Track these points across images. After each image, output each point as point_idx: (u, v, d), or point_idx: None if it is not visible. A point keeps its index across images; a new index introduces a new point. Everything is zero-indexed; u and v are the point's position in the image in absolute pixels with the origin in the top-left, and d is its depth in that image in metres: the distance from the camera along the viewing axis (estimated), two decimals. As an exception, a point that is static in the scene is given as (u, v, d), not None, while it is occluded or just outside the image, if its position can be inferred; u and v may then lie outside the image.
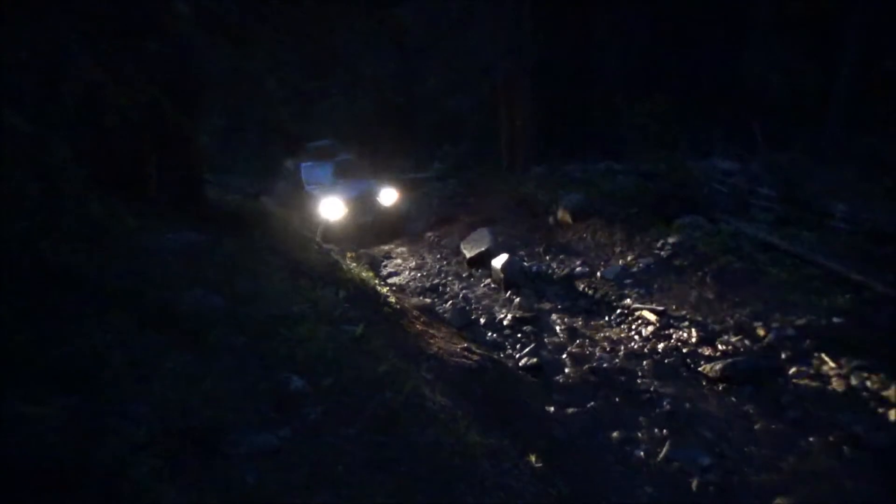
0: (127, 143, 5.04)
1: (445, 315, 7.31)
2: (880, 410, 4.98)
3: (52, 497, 2.02)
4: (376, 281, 6.38)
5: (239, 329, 3.57)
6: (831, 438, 4.66)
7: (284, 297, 4.22)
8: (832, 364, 5.66)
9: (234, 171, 16.53)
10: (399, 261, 10.92)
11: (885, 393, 5.14)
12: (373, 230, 11.90)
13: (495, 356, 5.95)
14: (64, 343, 2.76)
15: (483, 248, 9.93)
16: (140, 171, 5.26)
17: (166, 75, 5.10)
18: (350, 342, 3.98)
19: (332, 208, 11.31)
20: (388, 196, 12.32)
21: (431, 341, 5.20)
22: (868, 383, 5.31)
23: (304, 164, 12.69)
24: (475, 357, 5.06)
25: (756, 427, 4.92)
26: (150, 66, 4.81)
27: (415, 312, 5.99)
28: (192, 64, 5.56)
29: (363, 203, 11.88)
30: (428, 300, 7.91)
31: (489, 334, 7.06)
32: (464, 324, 7.14)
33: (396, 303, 5.74)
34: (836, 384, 5.40)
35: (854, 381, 5.37)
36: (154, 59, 4.92)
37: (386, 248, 11.74)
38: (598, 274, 8.59)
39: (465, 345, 5.47)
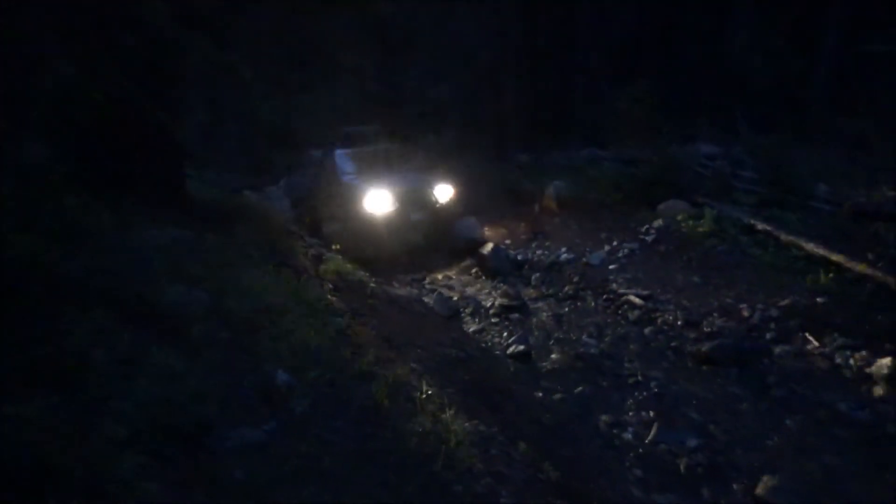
0: (104, 139, 4.96)
1: (432, 305, 7.31)
2: (864, 387, 5.05)
3: (36, 496, 2.00)
4: (362, 272, 6.37)
5: (223, 324, 3.55)
6: (816, 416, 4.72)
7: (268, 291, 4.20)
8: (816, 343, 5.73)
9: (216, 167, 16.38)
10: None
11: (868, 370, 5.22)
12: (423, 231, 9.90)
13: (482, 344, 5.96)
14: (45, 342, 2.73)
15: (469, 237, 9.94)
16: (118, 167, 5.19)
17: (143, 69, 5.03)
18: (335, 334, 3.97)
19: (378, 202, 9.51)
20: (444, 192, 10.31)
21: (418, 331, 5.19)
22: (851, 361, 5.38)
23: (340, 151, 10.88)
24: (462, 346, 5.07)
25: (742, 407, 4.97)
26: (125, 60, 4.73)
27: (401, 302, 5.98)
28: (169, 57, 5.48)
29: (415, 198, 9.94)
30: (415, 290, 7.91)
31: (476, 323, 7.07)
32: (450, 313, 7.15)
33: (382, 293, 5.73)
34: (821, 363, 5.46)
35: (838, 360, 5.44)
36: (130, 52, 4.85)
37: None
38: (584, 260, 8.61)
39: (453, 334, 5.47)
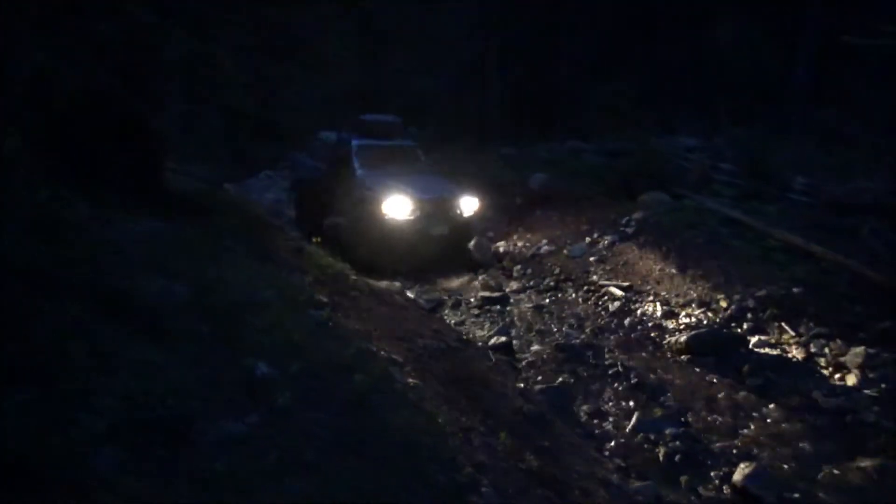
0: (80, 129, 4.88)
1: (414, 297, 7.31)
2: (838, 376, 5.15)
3: (14, 491, 1.98)
4: (344, 265, 6.35)
5: (203, 317, 3.52)
6: (791, 404, 4.80)
7: (249, 284, 4.17)
8: (792, 332, 5.83)
9: (196, 159, 16.19)
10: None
11: (842, 359, 5.33)
12: (442, 247, 8.78)
13: (464, 336, 5.99)
14: (21, 336, 2.70)
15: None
16: (95, 158, 5.11)
17: (120, 59, 4.95)
18: (317, 327, 3.96)
19: (398, 208, 8.37)
20: (469, 205, 9.09)
21: (400, 323, 5.20)
22: (826, 350, 5.48)
23: (358, 142, 9.55)
24: (444, 337, 5.08)
25: (719, 396, 5.05)
26: (102, 49, 4.65)
27: (383, 295, 5.98)
28: (147, 47, 5.39)
29: (439, 210, 8.74)
30: (397, 283, 7.90)
31: (458, 315, 7.10)
32: (432, 305, 7.17)
33: (364, 286, 5.72)
34: (796, 352, 5.57)
35: (813, 349, 5.55)
36: (106, 41, 4.76)
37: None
38: (565, 252, 8.67)
39: (435, 326, 5.49)
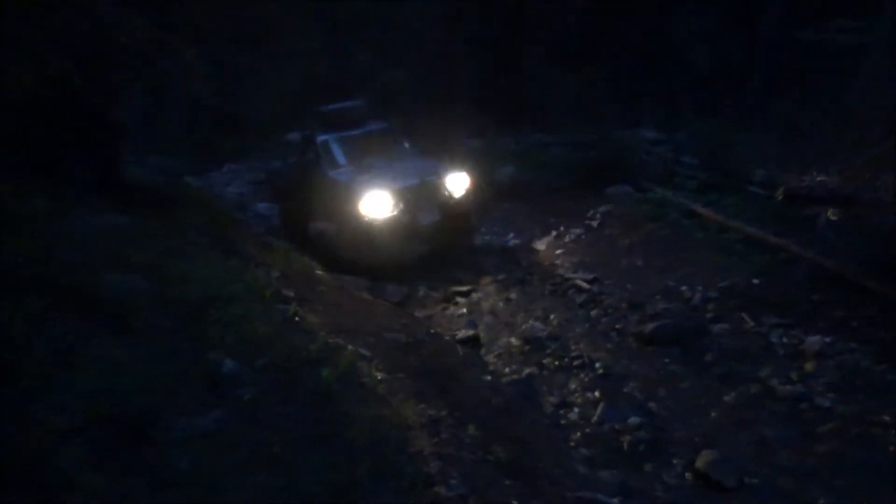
0: (36, 121, 4.75)
1: (382, 291, 7.29)
2: (796, 363, 5.30)
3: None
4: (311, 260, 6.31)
5: (167, 312, 3.47)
6: (752, 391, 4.93)
7: (214, 279, 4.12)
8: (752, 322, 5.97)
9: (158, 152, 15.87)
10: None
11: (800, 347, 5.49)
12: (435, 236, 7.94)
13: (432, 330, 6.00)
14: (-24, 334, 2.63)
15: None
16: (52, 151, 4.98)
17: (77, 49, 4.81)
18: (284, 321, 3.93)
19: (377, 203, 7.54)
20: (458, 184, 8.21)
21: (367, 317, 5.19)
22: (785, 339, 5.64)
23: (324, 137, 8.68)
24: (412, 331, 5.09)
25: (683, 385, 5.15)
26: (59, 39, 4.52)
27: (350, 289, 5.96)
28: (105, 37, 5.26)
29: (423, 195, 7.90)
30: (364, 278, 7.86)
31: (425, 308, 7.10)
32: (400, 299, 7.15)
33: (332, 280, 5.69)
34: (756, 341, 5.71)
35: (773, 338, 5.70)
36: (63, 31, 4.64)
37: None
38: (532, 244, 8.73)
39: (403, 320, 5.49)
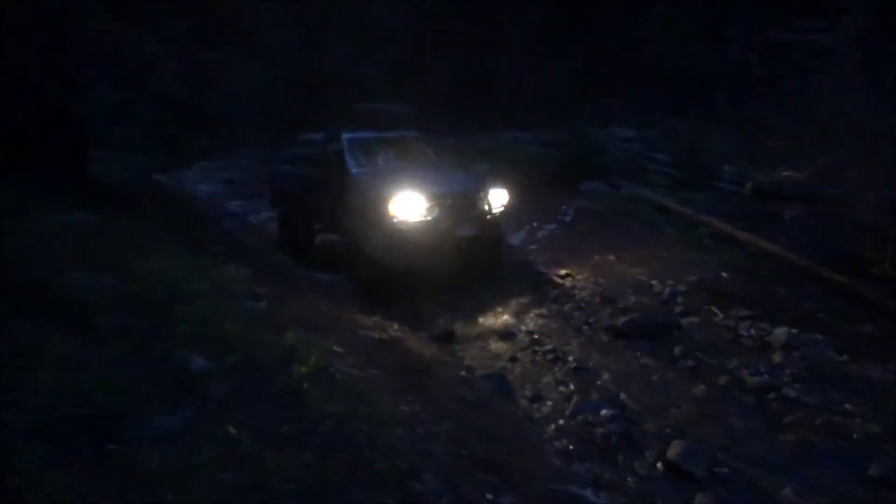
0: (-3, 117, 4.63)
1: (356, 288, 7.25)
2: (763, 355, 5.41)
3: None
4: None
5: (133, 311, 3.41)
6: (720, 383, 5.01)
7: (183, 277, 4.06)
8: (721, 315, 6.08)
9: (124, 149, 15.59)
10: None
11: (767, 339, 5.62)
12: (472, 252, 7.27)
13: (406, 326, 5.98)
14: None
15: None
16: (14, 147, 4.85)
17: (40, 44, 4.70)
18: (254, 318, 3.88)
19: (410, 208, 6.79)
20: (499, 199, 7.63)
21: (342, 315, 5.16)
22: (753, 331, 5.76)
23: (350, 136, 8.04)
24: (386, 328, 5.07)
25: (653, 378, 5.21)
26: (19, 33, 4.41)
27: (323, 287, 5.91)
28: (69, 32, 5.14)
29: (464, 206, 7.22)
30: (338, 275, 7.82)
31: (400, 305, 7.07)
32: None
33: (304, 277, 5.64)
34: (725, 333, 5.82)
35: (741, 331, 5.81)
36: (25, 26, 4.52)
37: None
38: (507, 241, 8.75)
39: (376, 317, 5.46)
